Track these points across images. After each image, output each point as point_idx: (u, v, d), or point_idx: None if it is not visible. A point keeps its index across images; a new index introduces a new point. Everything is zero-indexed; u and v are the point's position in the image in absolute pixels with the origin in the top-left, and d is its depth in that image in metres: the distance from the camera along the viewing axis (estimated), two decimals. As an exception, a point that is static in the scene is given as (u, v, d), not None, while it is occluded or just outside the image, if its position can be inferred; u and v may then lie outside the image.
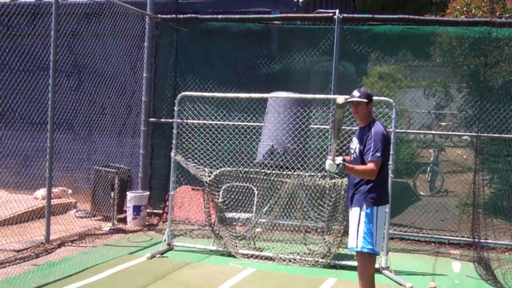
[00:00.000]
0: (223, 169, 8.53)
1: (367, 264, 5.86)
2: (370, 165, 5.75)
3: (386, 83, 11.18)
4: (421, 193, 10.66)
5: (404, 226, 9.63)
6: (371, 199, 5.82)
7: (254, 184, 8.68)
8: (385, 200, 6.01)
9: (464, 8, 11.21)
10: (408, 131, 10.30)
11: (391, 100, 7.73)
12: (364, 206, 5.83)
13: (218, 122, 9.27)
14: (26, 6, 10.53)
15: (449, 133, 10.39)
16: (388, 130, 6.11)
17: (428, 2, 24.13)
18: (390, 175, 7.34)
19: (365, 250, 5.77)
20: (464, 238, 9.29)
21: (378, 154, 5.76)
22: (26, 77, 9.94)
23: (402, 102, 10.30)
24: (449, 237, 9.38)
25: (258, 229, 8.82)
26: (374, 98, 7.98)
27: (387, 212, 6.22)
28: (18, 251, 7.89)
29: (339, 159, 5.84)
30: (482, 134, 9.20)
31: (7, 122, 10.17)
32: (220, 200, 8.63)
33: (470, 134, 9.74)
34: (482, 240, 8.89)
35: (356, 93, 5.97)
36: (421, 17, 9.95)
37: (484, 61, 9.35)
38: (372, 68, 10.85)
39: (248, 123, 9.01)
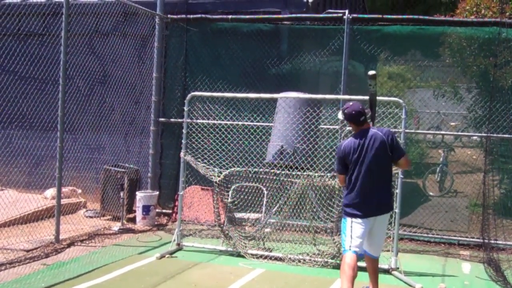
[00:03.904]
0: (232, 169, 8.53)
1: None
2: None
3: (395, 83, 11.17)
4: (431, 193, 10.62)
5: (414, 226, 9.61)
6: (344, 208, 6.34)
7: (264, 184, 8.68)
8: (356, 215, 6.14)
9: (474, 9, 11.19)
10: (418, 131, 10.29)
11: (401, 101, 7.72)
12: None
13: (228, 122, 9.26)
14: (36, 7, 10.57)
15: (459, 133, 10.36)
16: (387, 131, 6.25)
17: (437, 2, 24.05)
18: (400, 175, 7.36)
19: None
20: (474, 239, 9.26)
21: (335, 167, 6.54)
22: (36, 77, 9.97)
23: (411, 102, 10.29)
24: (459, 238, 9.35)
25: (268, 230, 8.82)
26: (384, 98, 8.12)
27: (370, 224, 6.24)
28: (27, 250, 7.92)
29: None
30: (492, 135, 9.17)
31: (18, 122, 10.21)
32: (229, 200, 8.62)
33: (479, 134, 9.72)
34: (492, 241, 8.86)
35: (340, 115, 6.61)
36: (431, 18, 9.93)
37: (494, 61, 9.32)
38: (381, 68, 10.84)
39: (258, 123, 9.02)
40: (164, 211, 10.82)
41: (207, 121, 9.28)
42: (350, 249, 6.10)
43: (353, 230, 6.13)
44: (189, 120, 8.67)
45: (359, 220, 6.12)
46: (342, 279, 5.95)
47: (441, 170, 11.05)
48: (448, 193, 10.70)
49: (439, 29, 9.76)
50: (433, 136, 11.34)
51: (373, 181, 6.12)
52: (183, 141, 8.60)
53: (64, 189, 10.23)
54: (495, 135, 9.16)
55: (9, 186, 10.56)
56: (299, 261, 7.93)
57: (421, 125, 10.43)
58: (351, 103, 6.36)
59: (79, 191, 11.28)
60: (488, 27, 9.36)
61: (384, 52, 9.89)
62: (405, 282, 7.25)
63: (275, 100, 8.84)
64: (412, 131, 10.10)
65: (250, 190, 8.78)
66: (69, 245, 8.39)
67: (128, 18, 10.58)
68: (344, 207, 6.29)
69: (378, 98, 8.52)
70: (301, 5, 10.86)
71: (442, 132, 10.42)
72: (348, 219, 6.18)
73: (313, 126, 8.37)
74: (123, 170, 10.06)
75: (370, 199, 6.12)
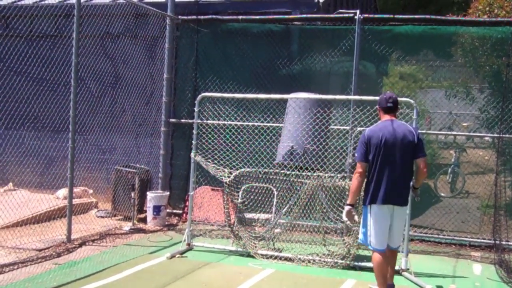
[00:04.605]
0: (242, 169, 8.53)
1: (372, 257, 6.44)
2: None
3: (407, 84, 11.13)
4: (442, 194, 10.58)
5: (425, 227, 9.57)
6: (364, 196, 6.39)
7: (274, 184, 8.68)
8: (374, 199, 6.23)
9: (487, 8, 11.13)
10: (429, 132, 10.23)
11: (412, 101, 7.67)
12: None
13: (238, 123, 9.27)
14: (48, 8, 10.63)
15: (471, 134, 10.30)
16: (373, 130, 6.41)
17: (450, 2, 23.94)
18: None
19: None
20: (485, 240, 9.21)
21: (356, 154, 6.39)
22: (48, 79, 10.04)
23: (423, 103, 10.24)
24: (470, 239, 9.30)
25: (278, 230, 8.82)
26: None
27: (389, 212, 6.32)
28: (39, 250, 7.98)
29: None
30: (504, 135, 9.12)
31: (30, 123, 10.28)
32: (239, 200, 8.64)
33: (492, 135, 9.66)
34: (504, 242, 8.81)
35: None
36: (443, 17, 9.86)
37: (506, 61, 9.26)
38: (393, 68, 10.80)
39: (268, 124, 9.02)
40: (174, 211, 10.85)
41: (217, 121, 9.29)
42: (371, 246, 6.31)
43: (373, 223, 6.24)
44: (199, 121, 8.69)
45: (377, 207, 6.21)
46: (378, 277, 6.34)
47: (453, 170, 10.99)
48: (460, 194, 10.65)
49: (451, 29, 9.70)
50: (444, 137, 11.29)
51: (397, 171, 6.23)
52: (193, 141, 8.62)
53: (75, 189, 10.28)
54: (507, 135, 9.10)
55: (21, 186, 10.66)
56: (309, 262, 7.93)
57: (432, 126, 10.38)
58: (388, 91, 6.77)
59: (91, 191, 11.36)
60: (501, 26, 9.29)
61: (396, 52, 9.85)
62: (415, 283, 7.23)
63: (285, 101, 8.84)
64: (424, 131, 10.04)
65: (260, 191, 8.79)
66: (80, 245, 8.45)
67: (139, 19, 10.63)
68: (365, 194, 6.33)
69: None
70: (311, 6, 10.85)
71: (454, 132, 10.36)
72: (368, 208, 6.28)
73: (323, 127, 8.37)
74: (134, 170, 10.10)
75: (393, 186, 6.20)
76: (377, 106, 6.66)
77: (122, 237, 9.15)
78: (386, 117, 6.46)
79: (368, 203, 6.27)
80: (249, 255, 8.25)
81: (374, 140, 6.22)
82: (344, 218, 6.47)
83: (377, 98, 7.35)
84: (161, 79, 10.76)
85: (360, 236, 6.50)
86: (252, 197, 8.74)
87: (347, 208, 6.41)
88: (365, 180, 6.36)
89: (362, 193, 6.52)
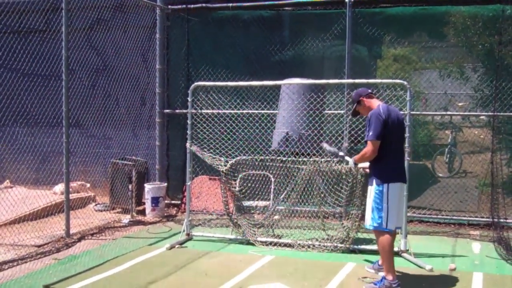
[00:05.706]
0: (239, 158, 8.52)
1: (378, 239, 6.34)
2: (367, 146, 6.27)
3: (401, 66, 11.07)
4: (440, 174, 10.57)
5: (423, 208, 9.59)
6: (378, 177, 6.28)
7: (271, 171, 8.66)
8: (394, 178, 6.26)
9: (478, -14, 11.06)
10: (425, 113, 10.22)
11: (405, 83, 7.65)
12: (374, 183, 6.30)
13: (232, 111, 9.24)
14: (36, 3, 10.55)
15: (466, 113, 10.28)
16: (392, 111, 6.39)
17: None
18: (407, 157, 7.25)
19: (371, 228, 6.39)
20: (483, 219, 9.23)
21: (370, 132, 6.24)
22: (39, 74, 9.98)
23: (417, 84, 10.21)
24: (469, 218, 9.33)
25: (276, 217, 8.82)
26: (388, 81, 8.14)
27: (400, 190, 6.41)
28: (39, 246, 7.97)
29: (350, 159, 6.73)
30: (498, 114, 9.11)
31: (23, 120, 10.23)
32: (237, 189, 8.63)
33: (486, 113, 9.66)
34: (502, 220, 8.82)
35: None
36: (433, -3, 9.82)
37: (498, 39, 9.24)
38: (386, 50, 10.74)
39: (262, 111, 8.99)
40: (173, 202, 10.85)
41: (211, 110, 9.26)
42: (387, 228, 6.22)
43: (392, 202, 6.20)
44: (193, 111, 8.66)
45: (396, 185, 6.26)
46: (390, 259, 6.24)
47: (450, 151, 10.98)
48: (457, 174, 10.64)
49: (442, 9, 9.67)
50: (440, 117, 11.26)
51: (403, 151, 6.57)
52: (188, 131, 8.59)
53: (72, 184, 10.26)
54: (502, 113, 9.11)
55: (18, 183, 10.63)
56: (309, 247, 7.94)
57: (427, 106, 10.36)
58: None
59: (88, 185, 11.33)
60: (491, 4, 9.26)
61: (388, 34, 9.82)
62: (415, 264, 7.23)
63: (279, 87, 8.81)
64: (419, 112, 10.03)
65: (257, 178, 8.76)
66: (79, 239, 8.44)
67: (129, 10, 10.54)
68: (381, 172, 6.26)
69: (383, 80, 8.58)
70: (302, -10, 10.76)
71: (448, 112, 10.33)
72: (385, 187, 6.20)
73: (317, 112, 8.35)
74: (130, 163, 10.08)
75: (403, 165, 6.53)
76: (361, 99, 6.57)
77: (121, 230, 9.15)
78: (378, 102, 6.52)
79: (387, 181, 6.20)
80: (248, 243, 8.25)
81: (390, 119, 6.25)
82: (351, 165, 6.77)
83: (370, 81, 7.47)
84: (154, 70, 10.70)
85: (372, 221, 6.30)
86: (249, 184, 8.72)
87: (353, 165, 6.72)
88: (377, 157, 6.30)
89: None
